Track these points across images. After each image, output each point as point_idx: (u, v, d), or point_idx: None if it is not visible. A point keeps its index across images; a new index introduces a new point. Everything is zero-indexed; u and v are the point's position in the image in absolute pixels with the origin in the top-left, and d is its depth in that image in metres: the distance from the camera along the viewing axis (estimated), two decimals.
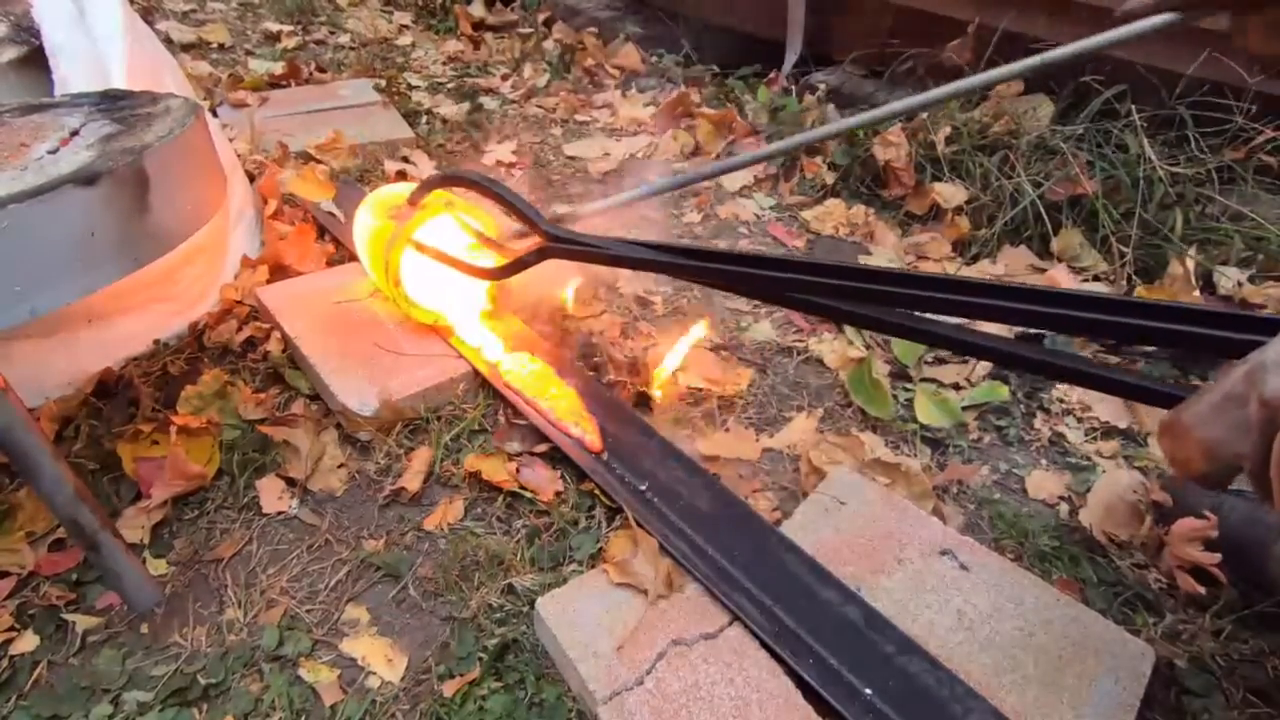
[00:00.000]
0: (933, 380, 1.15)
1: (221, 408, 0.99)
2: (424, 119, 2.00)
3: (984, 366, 1.16)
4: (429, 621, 0.79)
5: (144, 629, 0.77)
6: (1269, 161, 1.38)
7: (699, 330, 1.14)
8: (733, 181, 1.72)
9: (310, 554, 0.86)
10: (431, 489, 0.94)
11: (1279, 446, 0.36)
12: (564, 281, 1.24)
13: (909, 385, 1.14)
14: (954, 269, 1.39)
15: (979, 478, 1.00)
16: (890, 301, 0.62)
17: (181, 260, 1.12)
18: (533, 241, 0.92)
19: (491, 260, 1.01)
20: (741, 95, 2.12)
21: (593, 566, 0.83)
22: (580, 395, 1.02)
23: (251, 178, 1.49)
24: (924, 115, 1.62)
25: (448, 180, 1.01)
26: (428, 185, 1.02)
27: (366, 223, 1.10)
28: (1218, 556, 0.81)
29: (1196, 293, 1.25)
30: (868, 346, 1.22)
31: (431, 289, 1.10)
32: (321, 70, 2.28)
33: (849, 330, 1.25)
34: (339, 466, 0.96)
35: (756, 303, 1.34)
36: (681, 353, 1.10)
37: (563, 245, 0.85)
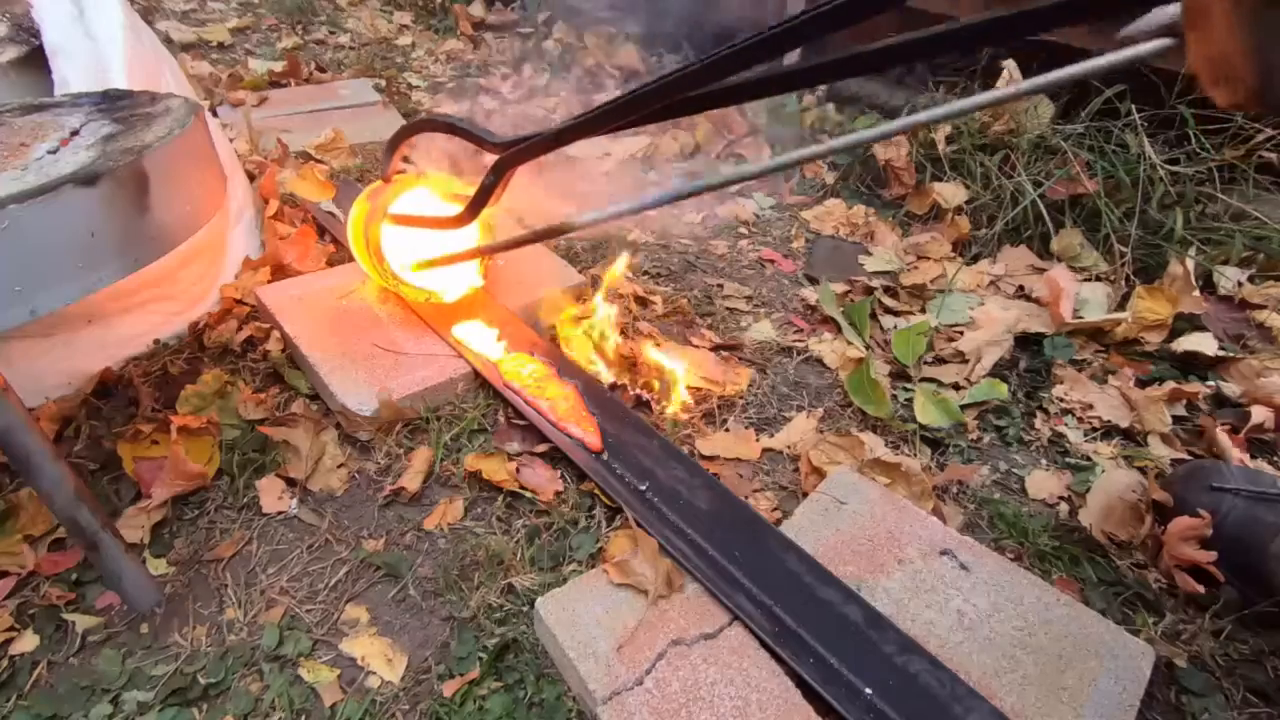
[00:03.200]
0: (932, 380, 1.15)
1: (221, 408, 0.99)
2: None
3: (983, 367, 1.16)
4: (429, 621, 0.79)
5: (144, 629, 0.77)
6: (1269, 160, 1.38)
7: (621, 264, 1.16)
8: None
9: (310, 554, 0.86)
10: (431, 489, 0.94)
11: None
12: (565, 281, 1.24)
13: (908, 385, 1.14)
14: (954, 269, 1.39)
15: (979, 478, 1.00)
16: (793, 40, 0.60)
17: (181, 260, 1.12)
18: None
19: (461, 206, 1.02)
20: None
21: (593, 566, 0.83)
22: (580, 395, 1.02)
23: (251, 178, 1.49)
24: None
25: (404, 133, 1.02)
26: (391, 147, 1.04)
27: (351, 212, 1.11)
28: (1213, 555, 0.81)
29: (1197, 292, 1.25)
30: (867, 347, 1.22)
31: (422, 269, 1.10)
32: (321, 70, 2.28)
33: (849, 330, 1.25)
34: (339, 466, 0.96)
35: (756, 303, 1.34)
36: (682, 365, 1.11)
37: (514, 151, 0.87)
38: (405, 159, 1.11)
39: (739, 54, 0.61)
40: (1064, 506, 0.96)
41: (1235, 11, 0.32)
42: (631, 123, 0.79)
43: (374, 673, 0.74)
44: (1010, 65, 1.55)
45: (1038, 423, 1.09)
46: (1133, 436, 1.07)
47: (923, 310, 1.32)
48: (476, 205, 0.95)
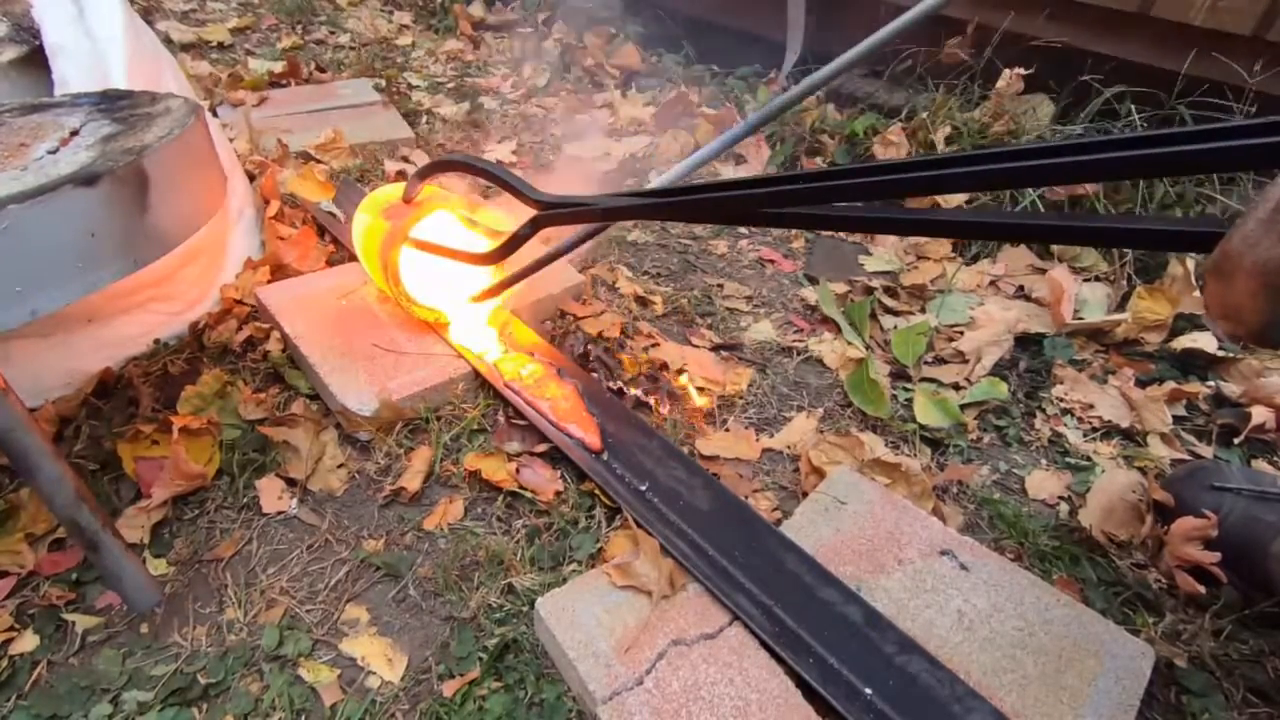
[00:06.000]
0: (932, 380, 1.15)
1: (221, 408, 0.99)
2: (424, 119, 2.00)
3: (983, 367, 1.16)
4: (429, 621, 0.79)
5: (144, 629, 0.77)
6: None
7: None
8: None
9: (310, 554, 0.86)
10: (431, 489, 0.94)
11: None
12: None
13: (908, 385, 1.14)
14: (954, 269, 1.39)
15: (979, 478, 1.00)
16: (860, 195, 0.60)
17: (181, 260, 1.12)
18: (526, 215, 0.92)
19: (489, 245, 1.01)
20: (741, 95, 2.12)
21: (593, 566, 0.83)
22: (580, 395, 1.02)
23: (251, 178, 1.49)
24: (924, 115, 1.62)
25: (437, 167, 1.02)
26: (420, 175, 1.03)
27: (364, 222, 1.10)
28: (1217, 556, 0.81)
29: (1196, 292, 1.25)
30: (867, 347, 1.22)
31: (432, 286, 1.10)
32: (321, 70, 2.27)
33: (849, 330, 1.25)
34: (339, 466, 0.96)
35: (756, 303, 1.34)
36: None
37: (554, 211, 0.85)
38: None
39: (815, 190, 0.59)
40: (1064, 506, 0.96)
41: (1262, 293, 0.37)
42: (685, 217, 0.77)
43: (374, 673, 0.74)
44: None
45: (1038, 423, 1.09)
46: (1133, 436, 1.07)
47: (923, 310, 1.32)
48: (505, 251, 0.96)
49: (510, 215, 1.01)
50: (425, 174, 1.02)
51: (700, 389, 1.10)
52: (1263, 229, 0.36)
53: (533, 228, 0.89)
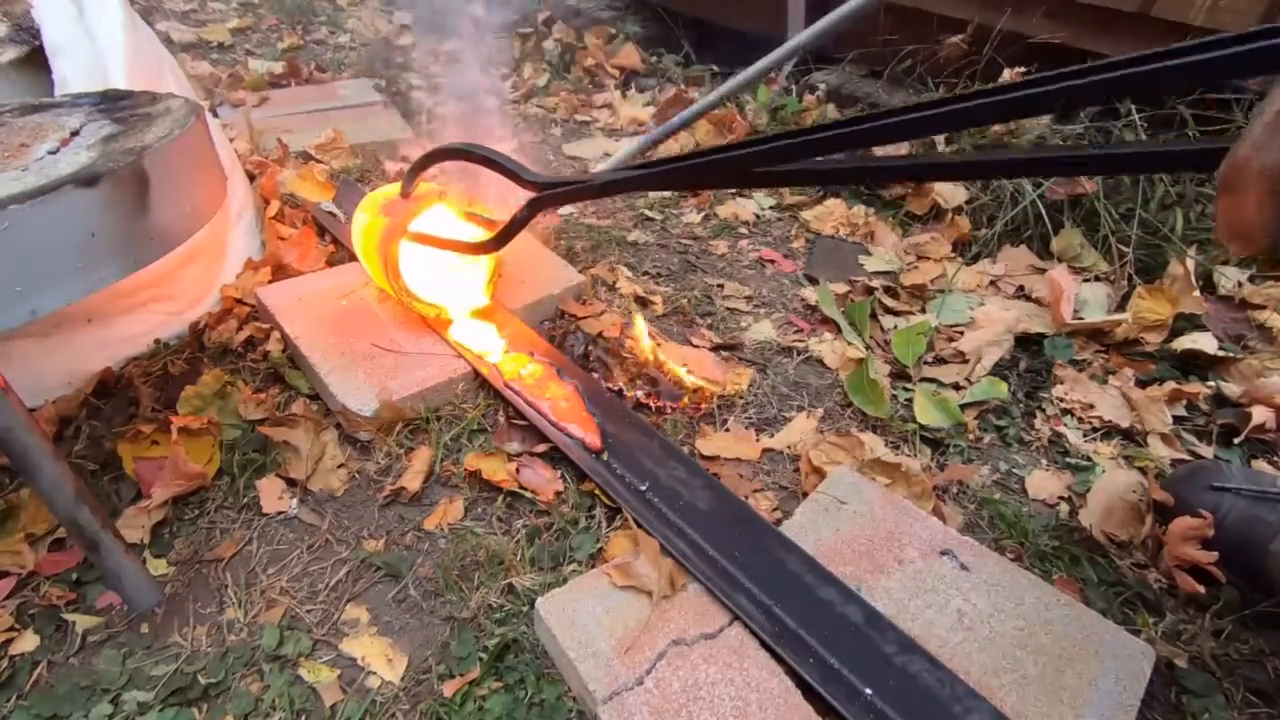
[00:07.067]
0: (932, 380, 1.15)
1: (221, 408, 0.99)
2: (424, 119, 2.00)
3: (983, 367, 1.16)
4: (429, 621, 0.79)
5: (144, 629, 0.78)
6: None
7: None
8: None
9: (310, 554, 0.86)
10: (431, 489, 0.94)
11: None
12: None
13: (908, 385, 1.14)
14: (954, 269, 1.39)
15: (979, 478, 1.00)
16: (853, 143, 0.59)
17: (181, 260, 1.12)
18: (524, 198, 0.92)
19: (487, 234, 1.01)
20: (741, 95, 2.12)
21: (593, 566, 0.83)
22: (580, 395, 1.02)
23: (252, 178, 1.49)
24: None
25: (433, 158, 1.02)
26: (417, 168, 1.03)
27: (362, 221, 1.10)
28: (1215, 555, 0.81)
29: (1196, 292, 1.25)
30: (867, 347, 1.22)
31: (432, 282, 1.10)
32: (321, 70, 2.28)
33: (849, 330, 1.25)
34: (339, 466, 0.96)
35: (756, 303, 1.34)
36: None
37: (552, 191, 0.86)
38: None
39: (820, 141, 0.59)
40: (1064, 506, 0.96)
41: (1270, 200, 0.36)
42: (679, 185, 0.78)
43: (374, 673, 0.74)
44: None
45: (1038, 423, 1.09)
46: (1133, 436, 1.07)
47: (923, 310, 1.32)
48: (504, 237, 0.95)
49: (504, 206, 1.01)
50: (422, 166, 1.02)
51: (698, 389, 1.10)
52: (1269, 134, 0.35)
53: (531, 209, 0.89)
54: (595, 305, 1.27)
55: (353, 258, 1.24)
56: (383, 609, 0.81)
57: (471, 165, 0.96)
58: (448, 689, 0.72)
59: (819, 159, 0.63)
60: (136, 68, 1.09)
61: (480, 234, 1.04)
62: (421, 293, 1.09)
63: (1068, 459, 1.04)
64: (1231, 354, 1.19)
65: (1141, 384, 1.15)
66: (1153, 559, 0.89)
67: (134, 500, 0.89)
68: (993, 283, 1.39)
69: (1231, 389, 1.13)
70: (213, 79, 2.10)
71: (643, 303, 1.30)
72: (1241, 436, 1.05)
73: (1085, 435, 1.08)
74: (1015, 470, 1.02)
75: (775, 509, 0.93)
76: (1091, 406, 1.11)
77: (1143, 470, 0.98)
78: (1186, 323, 1.25)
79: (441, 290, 1.12)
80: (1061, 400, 1.13)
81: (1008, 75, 1.57)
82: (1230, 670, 0.77)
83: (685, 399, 1.07)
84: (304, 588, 0.82)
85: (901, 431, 1.06)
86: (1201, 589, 0.82)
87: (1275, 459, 1.04)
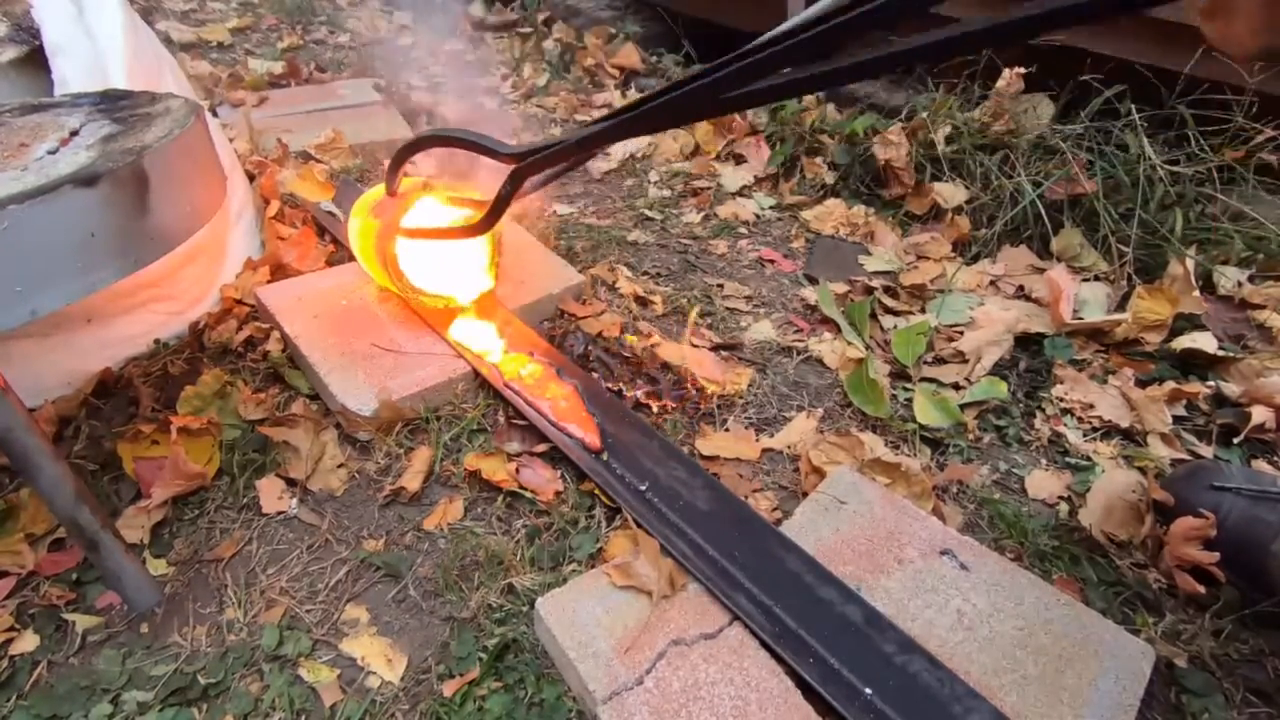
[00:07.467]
0: (932, 380, 1.15)
1: (221, 408, 0.99)
2: (424, 119, 2.00)
3: (983, 367, 1.16)
4: (429, 621, 0.79)
5: (144, 629, 0.78)
6: (1269, 161, 1.38)
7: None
8: (733, 181, 1.73)
9: (310, 554, 0.86)
10: (431, 489, 0.94)
11: None
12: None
13: (908, 385, 1.14)
14: (954, 269, 1.39)
15: (979, 478, 1.00)
16: (803, 56, 0.59)
17: (181, 260, 1.12)
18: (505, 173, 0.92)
19: (477, 214, 1.01)
20: None
21: (593, 566, 0.83)
22: (580, 395, 1.02)
23: (251, 178, 1.49)
24: (924, 114, 1.62)
25: (410, 150, 1.02)
26: (395, 166, 1.03)
27: (356, 225, 1.11)
28: (1216, 555, 0.81)
29: (1196, 292, 1.25)
30: (867, 347, 1.22)
31: (435, 273, 1.11)
32: (321, 70, 2.28)
33: (848, 330, 1.25)
34: (339, 466, 0.96)
35: (756, 303, 1.34)
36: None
37: (530, 160, 0.86)
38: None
39: (770, 57, 0.60)
40: (1064, 506, 0.96)
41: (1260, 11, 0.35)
42: (656, 127, 0.78)
43: (374, 673, 0.74)
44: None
45: (1038, 423, 1.09)
46: (1133, 436, 1.07)
47: (923, 310, 1.32)
48: (493, 215, 0.95)
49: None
50: (400, 160, 1.03)
51: (700, 388, 1.10)
52: None
53: (513, 183, 0.89)
54: (595, 305, 1.27)
55: (352, 258, 1.24)
56: (382, 609, 0.81)
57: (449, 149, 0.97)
58: (447, 689, 0.72)
59: (786, 70, 0.63)
60: (136, 68, 1.09)
61: (471, 215, 1.04)
62: (427, 287, 1.10)
63: (1067, 459, 1.04)
64: (1231, 354, 1.19)
65: (1141, 384, 1.15)
66: (1152, 559, 0.89)
67: (134, 500, 0.89)
68: (992, 283, 1.39)
69: (1231, 389, 1.13)
70: (212, 79, 2.10)
71: (643, 302, 1.30)
72: (1241, 436, 1.05)
73: (1085, 435, 1.08)
74: (1015, 470, 1.02)
75: (775, 509, 0.93)
76: (1091, 406, 1.11)
77: (1143, 470, 0.98)
78: (1186, 322, 1.25)
79: (446, 280, 1.12)
80: (1061, 400, 1.13)
81: (1007, 75, 1.57)
82: (1230, 670, 0.77)
83: (692, 393, 1.07)
84: (304, 588, 0.82)
85: (901, 431, 1.06)
86: (1201, 589, 0.82)
87: (1275, 459, 1.04)
